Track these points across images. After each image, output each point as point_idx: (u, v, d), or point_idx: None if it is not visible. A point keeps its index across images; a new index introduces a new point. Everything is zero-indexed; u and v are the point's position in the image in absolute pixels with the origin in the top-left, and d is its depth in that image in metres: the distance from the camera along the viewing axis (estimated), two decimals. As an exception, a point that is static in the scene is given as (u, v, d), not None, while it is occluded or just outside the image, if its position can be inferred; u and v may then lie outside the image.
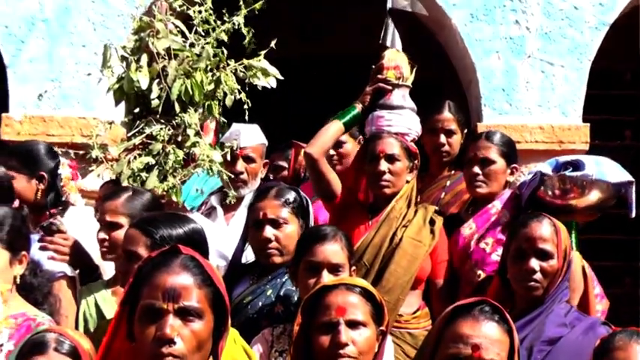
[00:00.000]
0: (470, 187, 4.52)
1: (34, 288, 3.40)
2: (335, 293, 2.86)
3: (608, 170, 4.20)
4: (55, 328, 2.99)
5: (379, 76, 4.49)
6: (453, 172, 5.04)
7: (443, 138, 4.99)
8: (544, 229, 3.45)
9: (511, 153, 4.55)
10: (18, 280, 3.29)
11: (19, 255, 3.32)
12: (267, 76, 4.53)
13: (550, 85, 5.75)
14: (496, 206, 4.45)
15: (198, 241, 3.19)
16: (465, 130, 5.14)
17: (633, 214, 4.29)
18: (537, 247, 3.41)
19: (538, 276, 3.40)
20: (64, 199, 4.49)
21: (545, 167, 4.30)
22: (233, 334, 3.19)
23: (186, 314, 2.19)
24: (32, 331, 3.00)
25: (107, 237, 3.77)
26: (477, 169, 4.42)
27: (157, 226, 3.20)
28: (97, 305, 3.71)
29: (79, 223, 4.25)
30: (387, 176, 4.24)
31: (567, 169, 4.20)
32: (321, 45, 8.12)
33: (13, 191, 4.24)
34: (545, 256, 3.41)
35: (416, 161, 4.40)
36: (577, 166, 4.19)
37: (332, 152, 4.96)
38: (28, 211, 4.11)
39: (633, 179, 4.24)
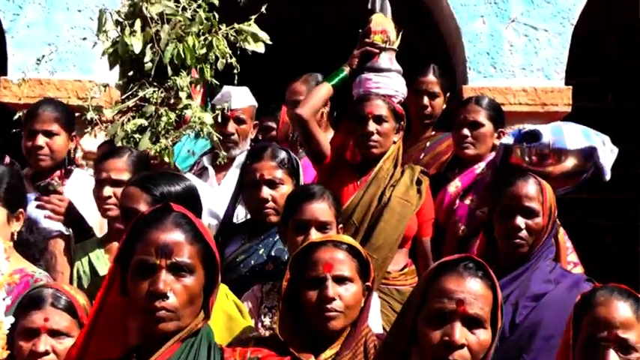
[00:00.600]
0: (458, 149, 4.50)
1: (30, 244, 3.33)
2: (322, 250, 2.85)
3: (568, 137, 4.11)
4: (52, 283, 2.96)
5: (366, 39, 4.43)
6: (434, 133, 5.02)
7: (426, 100, 4.97)
8: (530, 187, 3.39)
9: (498, 117, 4.54)
10: (15, 237, 3.21)
11: (16, 212, 3.25)
12: (257, 41, 4.48)
13: (533, 48, 5.66)
14: (481, 167, 4.43)
15: (193, 198, 3.17)
16: (448, 94, 5.11)
17: (608, 177, 4.20)
18: (523, 205, 3.36)
19: (523, 233, 3.34)
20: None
21: (508, 138, 4.27)
22: (224, 289, 3.16)
23: (178, 270, 2.17)
24: (30, 286, 2.96)
25: (112, 195, 3.74)
26: (466, 132, 4.41)
27: (156, 183, 3.17)
28: (90, 263, 3.68)
29: (81, 185, 4.22)
30: (375, 137, 4.18)
31: (526, 140, 4.14)
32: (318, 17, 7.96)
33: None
34: (530, 213, 3.35)
35: (402, 122, 4.34)
36: (535, 136, 4.12)
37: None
38: (49, 169, 4.11)
39: (596, 145, 4.13)
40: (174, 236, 2.19)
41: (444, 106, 5.07)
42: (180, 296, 2.16)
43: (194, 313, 2.21)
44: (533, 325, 3.22)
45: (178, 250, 2.18)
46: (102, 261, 3.62)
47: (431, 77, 4.98)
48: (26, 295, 2.79)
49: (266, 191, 3.77)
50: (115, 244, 3.60)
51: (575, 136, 4.13)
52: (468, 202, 4.34)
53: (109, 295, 2.26)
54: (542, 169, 4.03)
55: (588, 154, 4.13)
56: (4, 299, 2.40)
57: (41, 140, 4.17)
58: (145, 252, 2.18)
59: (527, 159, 4.10)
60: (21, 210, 3.29)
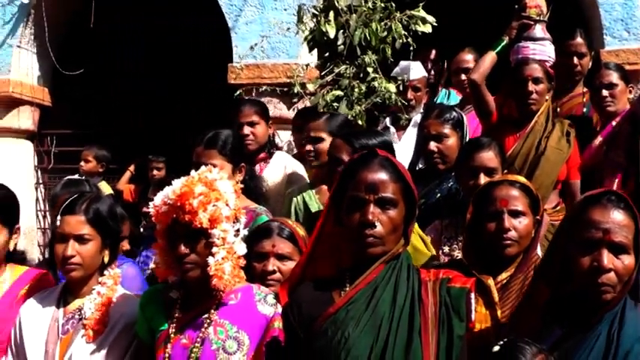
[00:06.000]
0: (600, 109, 4.22)
1: (251, 189, 3.40)
2: (499, 188, 2.68)
3: None
4: (278, 218, 2.96)
5: (523, 13, 4.20)
6: (586, 89, 4.61)
7: (576, 60, 4.58)
8: None
9: (626, 75, 4.27)
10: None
11: (239, 166, 3.31)
12: (425, 23, 4.36)
13: (663, 13, 5.22)
14: (617, 121, 4.13)
15: (388, 150, 3.01)
16: (592, 52, 4.73)
17: None
18: None
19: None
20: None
21: None
22: (410, 223, 3.01)
23: (384, 203, 2.09)
24: (253, 219, 2.99)
25: (312, 149, 3.70)
26: (605, 92, 4.16)
27: (357, 137, 3.13)
28: (304, 201, 3.65)
29: (280, 163, 4.22)
30: (534, 96, 3.93)
31: None
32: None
33: None
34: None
35: (552, 83, 4.07)
36: None
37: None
38: (255, 152, 4.16)
39: None
40: (380, 175, 2.11)
41: (590, 64, 4.66)
42: (386, 225, 2.08)
43: (396, 239, 2.12)
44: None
45: (384, 187, 2.09)
46: (313, 199, 3.60)
47: (579, 40, 4.58)
48: (257, 227, 2.78)
49: (433, 144, 3.64)
50: (323, 187, 3.58)
51: None
52: (613, 156, 4.03)
53: (326, 225, 2.22)
54: None
55: None
56: (238, 230, 2.37)
57: (246, 130, 4.15)
58: (356, 189, 2.10)
59: None
60: (242, 164, 3.31)
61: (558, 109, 4.42)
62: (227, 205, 2.34)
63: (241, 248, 2.39)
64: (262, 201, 3.50)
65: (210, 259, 2.29)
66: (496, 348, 2.03)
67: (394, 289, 2.07)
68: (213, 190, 2.32)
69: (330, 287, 2.14)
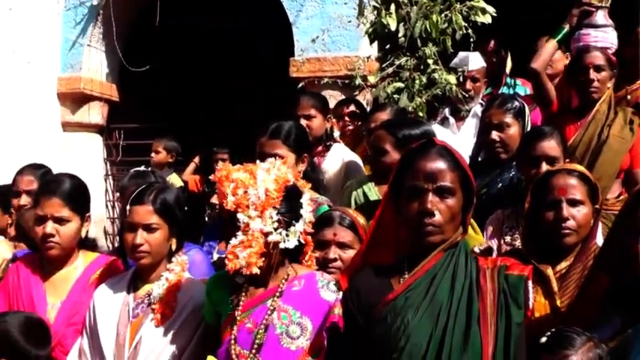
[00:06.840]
0: None
1: (313, 180, 3.35)
2: (558, 177, 2.66)
3: None
4: (339, 208, 2.99)
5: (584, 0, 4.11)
6: None
7: None
8: None
9: None
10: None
11: (301, 157, 3.31)
12: (485, 14, 4.33)
13: None
14: None
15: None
16: None
17: None
18: None
19: None
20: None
21: None
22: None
23: (442, 192, 2.10)
24: (316, 209, 2.97)
25: None
26: None
27: (400, 127, 3.10)
28: (364, 193, 3.66)
29: (338, 156, 4.25)
30: (596, 84, 3.84)
31: None
32: None
33: None
34: None
35: (615, 70, 3.95)
36: None
37: None
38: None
39: None
40: (438, 165, 2.11)
41: None
42: (444, 214, 2.08)
43: (455, 228, 2.13)
44: None
45: (442, 176, 2.10)
46: (372, 191, 3.60)
47: None
48: (319, 215, 2.81)
49: (494, 134, 3.60)
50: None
51: None
52: None
53: (384, 214, 2.23)
54: None
55: None
56: (279, 221, 2.34)
57: (302, 122, 4.13)
58: (414, 178, 2.11)
59: None
60: (305, 154, 3.33)
61: (628, 97, 4.29)
62: (258, 194, 2.30)
63: (291, 242, 2.35)
64: (323, 191, 3.54)
65: (232, 241, 2.30)
66: (543, 339, 2.02)
67: (452, 276, 2.08)
68: (253, 178, 2.31)
69: (389, 274, 2.15)
